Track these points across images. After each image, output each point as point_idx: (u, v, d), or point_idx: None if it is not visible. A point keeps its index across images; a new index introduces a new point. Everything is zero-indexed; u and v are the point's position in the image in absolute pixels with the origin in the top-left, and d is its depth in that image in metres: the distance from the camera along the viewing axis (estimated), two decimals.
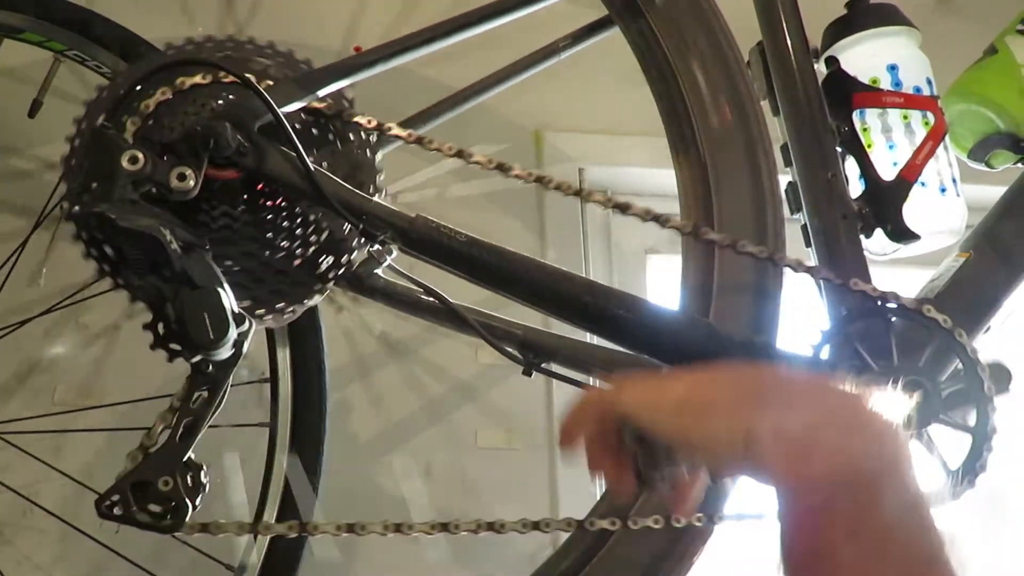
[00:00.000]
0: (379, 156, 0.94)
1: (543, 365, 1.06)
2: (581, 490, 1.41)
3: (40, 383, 1.33)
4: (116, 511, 0.80)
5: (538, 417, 1.53)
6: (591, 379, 1.07)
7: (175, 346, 0.81)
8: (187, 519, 0.81)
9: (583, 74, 1.55)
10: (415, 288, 1.05)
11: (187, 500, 0.81)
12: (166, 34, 1.08)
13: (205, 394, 0.84)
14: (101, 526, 0.82)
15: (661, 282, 1.70)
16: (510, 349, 1.07)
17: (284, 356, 1.13)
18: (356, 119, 0.94)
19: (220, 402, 0.85)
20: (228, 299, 0.82)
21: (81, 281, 1.22)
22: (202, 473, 0.82)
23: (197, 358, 0.83)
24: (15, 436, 1.21)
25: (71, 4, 1.17)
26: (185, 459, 0.82)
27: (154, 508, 0.81)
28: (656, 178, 1.68)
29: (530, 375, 1.06)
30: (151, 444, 0.81)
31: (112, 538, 1.19)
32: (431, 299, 1.04)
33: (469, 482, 1.47)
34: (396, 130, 0.95)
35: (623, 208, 0.95)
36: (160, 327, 0.83)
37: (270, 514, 1.09)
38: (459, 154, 0.95)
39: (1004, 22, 1.27)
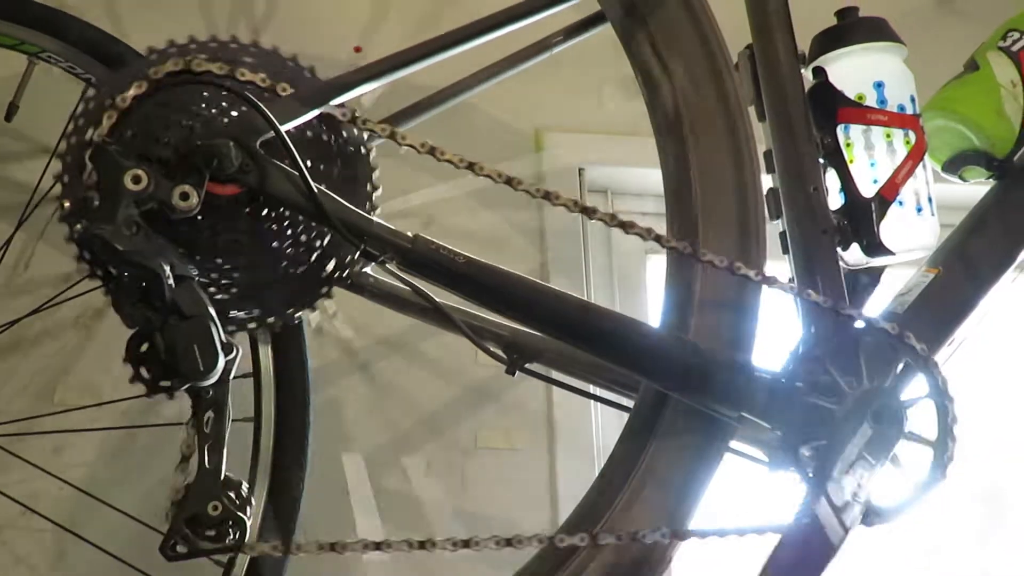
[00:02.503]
0: (377, 170, 0.95)
1: (527, 365, 1.10)
2: (581, 490, 1.45)
3: (41, 382, 1.33)
4: (180, 549, 0.83)
5: (538, 417, 1.55)
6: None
7: (164, 383, 0.84)
8: (248, 531, 0.85)
9: (583, 74, 1.55)
10: (403, 287, 1.06)
11: (240, 515, 0.85)
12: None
13: (212, 414, 0.86)
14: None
15: (661, 282, 1.71)
16: (495, 349, 1.10)
17: (266, 352, 1.14)
18: (358, 126, 0.94)
19: (230, 416, 0.87)
20: (217, 329, 0.83)
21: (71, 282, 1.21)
22: (243, 487, 0.86)
23: (185, 387, 0.84)
24: (10, 440, 1.21)
25: (43, 6, 1.15)
26: (223, 479, 0.85)
27: (212, 533, 0.85)
28: (656, 178, 1.68)
29: (513, 374, 1.10)
30: (179, 486, 0.84)
31: (106, 541, 1.21)
32: (419, 298, 1.06)
33: (469, 482, 1.49)
34: (410, 139, 0.94)
35: (590, 212, 0.95)
36: (143, 349, 0.84)
37: (257, 507, 1.11)
38: (470, 167, 0.94)
39: None
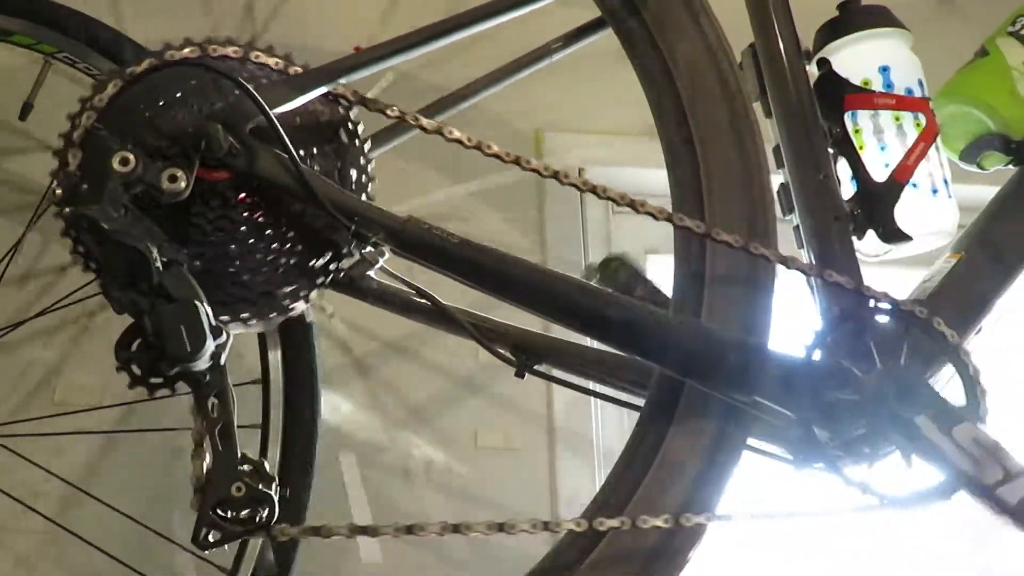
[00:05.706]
0: (372, 161, 0.94)
1: (536, 367, 1.07)
2: (581, 490, 1.44)
3: (39, 384, 1.34)
4: (212, 538, 0.81)
5: (538, 417, 1.55)
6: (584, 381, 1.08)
7: (156, 379, 0.82)
8: (277, 507, 0.82)
9: (583, 74, 1.57)
10: (407, 290, 1.05)
11: (266, 491, 0.82)
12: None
13: (215, 400, 0.84)
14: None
15: (661, 282, 1.70)
16: (503, 351, 1.07)
17: (276, 357, 1.13)
18: (352, 116, 0.94)
19: (234, 399, 0.85)
20: (205, 312, 0.82)
21: (75, 284, 1.22)
22: (264, 464, 0.83)
23: (176, 371, 0.82)
24: (11, 440, 1.21)
25: (61, 6, 1.17)
26: (240, 460, 0.82)
27: (242, 515, 0.82)
28: (657, 178, 1.66)
29: (522, 376, 1.07)
30: (200, 474, 0.81)
31: (105, 541, 1.20)
32: (424, 301, 1.04)
33: (469, 482, 1.48)
34: (422, 120, 0.93)
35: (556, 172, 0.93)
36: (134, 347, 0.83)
37: None
38: (517, 161, 0.92)
39: None
